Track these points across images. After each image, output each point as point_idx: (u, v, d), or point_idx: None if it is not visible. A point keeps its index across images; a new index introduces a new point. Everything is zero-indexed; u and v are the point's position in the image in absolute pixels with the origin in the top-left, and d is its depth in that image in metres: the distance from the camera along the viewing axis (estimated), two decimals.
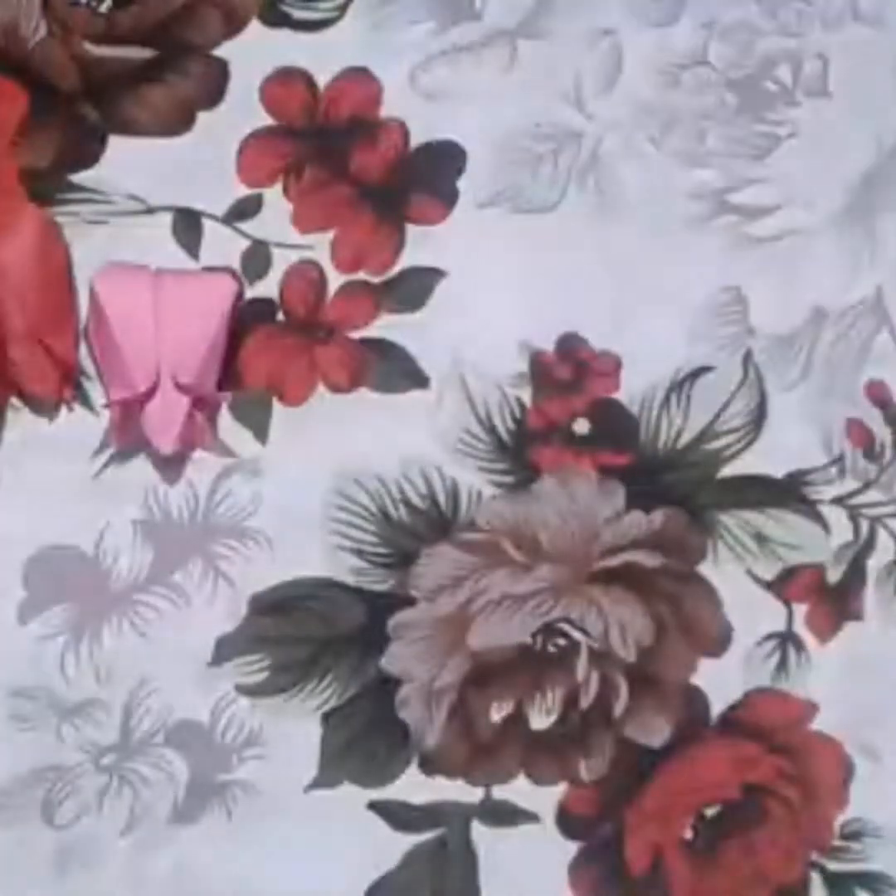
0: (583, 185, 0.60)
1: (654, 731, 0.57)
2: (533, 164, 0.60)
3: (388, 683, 0.57)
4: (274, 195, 0.60)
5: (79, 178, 0.60)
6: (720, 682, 0.58)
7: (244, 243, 0.60)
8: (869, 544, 0.60)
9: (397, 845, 0.56)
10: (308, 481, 0.58)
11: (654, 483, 0.59)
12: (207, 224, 0.60)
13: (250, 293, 0.59)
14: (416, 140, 0.60)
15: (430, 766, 0.57)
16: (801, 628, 0.59)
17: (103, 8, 0.61)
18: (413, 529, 0.58)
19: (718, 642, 0.58)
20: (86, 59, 0.61)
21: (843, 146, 0.62)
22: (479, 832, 0.56)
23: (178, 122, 0.61)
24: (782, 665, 0.58)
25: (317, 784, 0.56)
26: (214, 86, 0.61)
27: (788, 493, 0.60)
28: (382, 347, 0.59)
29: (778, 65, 0.61)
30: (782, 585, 0.59)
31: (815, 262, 0.61)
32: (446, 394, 0.59)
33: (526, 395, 0.59)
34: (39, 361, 0.57)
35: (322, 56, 0.60)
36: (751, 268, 0.60)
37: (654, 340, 0.60)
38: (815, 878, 0.57)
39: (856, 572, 0.59)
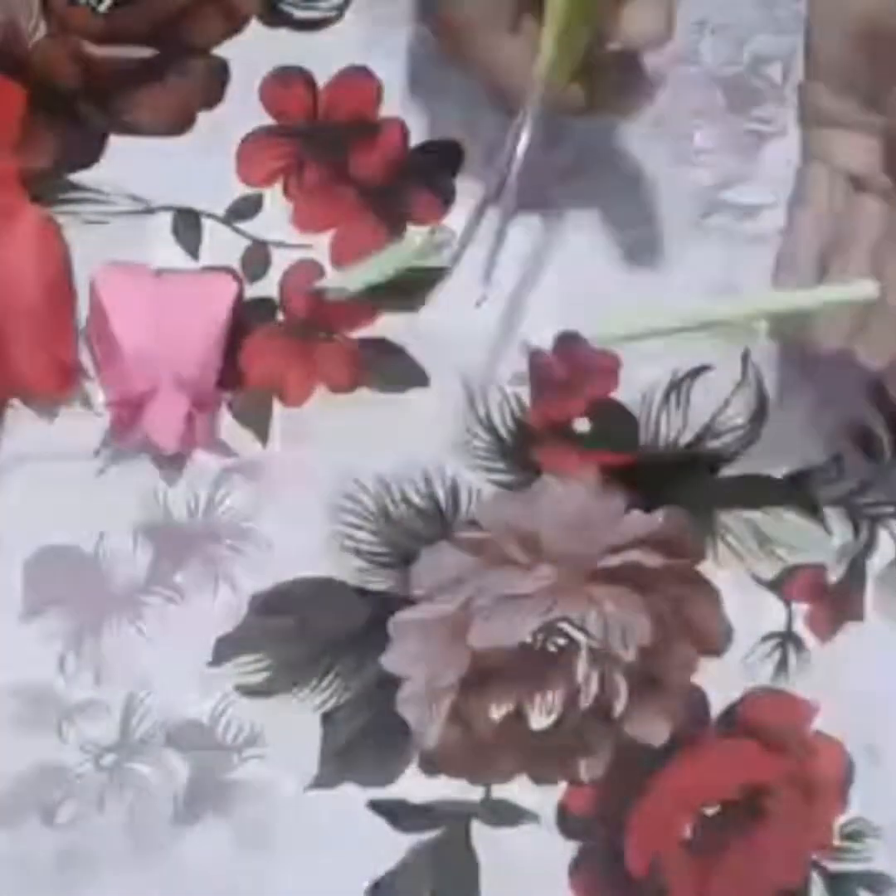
0: (578, 183, 0.60)
1: (655, 731, 0.58)
2: (528, 162, 0.60)
3: (388, 683, 0.57)
4: (274, 195, 0.60)
5: (79, 178, 0.60)
6: (720, 682, 0.58)
7: (244, 243, 0.60)
8: (869, 544, 0.60)
9: (397, 845, 0.56)
10: (308, 481, 0.58)
11: (655, 482, 0.59)
12: (207, 224, 0.60)
13: (250, 293, 0.59)
14: (415, 139, 0.60)
15: (430, 765, 0.57)
16: (801, 628, 0.59)
17: (103, 8, 0.61)
18: (413, 529, 0.58)
19: (718, 642, 0.59)
20: (86, 59, 0.60)
21: None
22: (479, 832, 0.56)
23: (178, 122, 0.61)
24: (782, 665, 0.58)
25: (317, 784, 0.56)
26: (214, 86, 0.61)
27: (788, 493, 0.60)
28: (382, 347, 0.59)
29: (769, 63, 0.61)
30: (782, 585, 0.59)
31: None
32: (446, 394, 0.59)
33: (526, 395, 0.59)
34: (39, 361, 0.57)
35: (322, 56, 0.60)
36: (746, 266, 0.60)
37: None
38: (816, 879, 0.57)
39: (856, 572, 0.59)
